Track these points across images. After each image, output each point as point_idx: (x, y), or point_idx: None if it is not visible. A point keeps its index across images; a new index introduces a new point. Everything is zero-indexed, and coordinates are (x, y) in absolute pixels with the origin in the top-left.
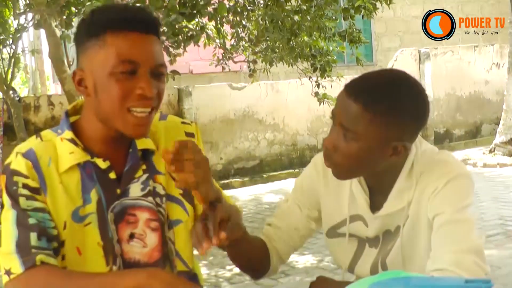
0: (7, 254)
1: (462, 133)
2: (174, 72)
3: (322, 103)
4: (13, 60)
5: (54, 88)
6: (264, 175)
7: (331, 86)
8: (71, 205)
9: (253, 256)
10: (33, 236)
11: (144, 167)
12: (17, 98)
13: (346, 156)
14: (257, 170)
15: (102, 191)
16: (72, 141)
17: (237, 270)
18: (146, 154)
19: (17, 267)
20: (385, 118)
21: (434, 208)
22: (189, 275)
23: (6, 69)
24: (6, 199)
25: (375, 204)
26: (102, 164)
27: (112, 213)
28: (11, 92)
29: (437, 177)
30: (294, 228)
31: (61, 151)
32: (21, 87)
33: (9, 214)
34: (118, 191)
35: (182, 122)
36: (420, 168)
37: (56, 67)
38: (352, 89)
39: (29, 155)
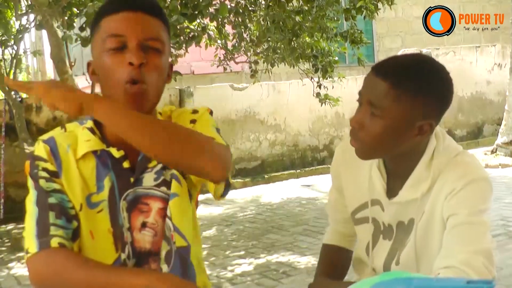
0: (28, 234)
1: (464, 133)
2: (176, 72)
3: (323, 104)
4: (15, 61)
5: None
6: (266, 176)
7: (333, 87)
8: (86, 190)
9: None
10: (52, 214)
11: None
12: (19, 99)
13: (372, 134)
14: (258, 171)
15: (116, 179)
16: (90, 129)
17: (238, 270)
18: None
19: (33, 247)
20: (411, 96)
21: (450, 208)
22: (187, 251)
23: (8, 70)
24: (29, 182)
25: (392, 191)
26: (116, 153)
27: (125, 201)
28: (13, 93)
29: (456, 178)
30: (348, 216)
31: (80, 138)
32: None
33: (31, 194)
34: (132, 179)
35: (193, 111)
36: (440, 163)
37: (58, 68)
38: (380, 68)
39: (49, 141)
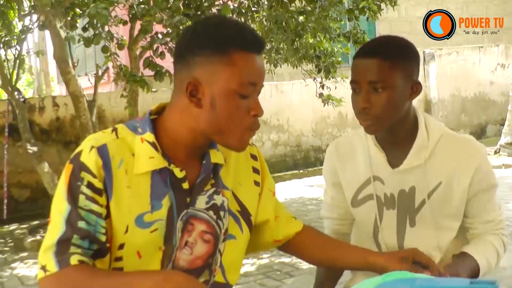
0: (47, 249)
1: (467, 134)
2: None
3: (326, 104)
4: (18, 61)
5: (58, 89)
6: None
7: (336, 87)
8: (136, 210)
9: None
10: (77, 236)
11: (212, 181)
12: (22, 99)
13: (382, 106)
14: None
15: (175, 199)
16: (153, 145)
17: (241, 271)
18: (215, 168)
19: (52, 266)
20: (400, 62)
21: (483, 184)
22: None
23: (11, 70)
24: (63, 189)
25: (393, 161)
26: (179, 173)
27: (181, 222)
28: (16, 93)
29: (471, 154)
30: (344, 211)
31: (140, 152)
32: (26, 88)
33: (63, 207)
34: (188, 200)
35: (252, 156)
36: (436, 133)
37: (61, 68)
38: (366, 51)
39: (102, 152)
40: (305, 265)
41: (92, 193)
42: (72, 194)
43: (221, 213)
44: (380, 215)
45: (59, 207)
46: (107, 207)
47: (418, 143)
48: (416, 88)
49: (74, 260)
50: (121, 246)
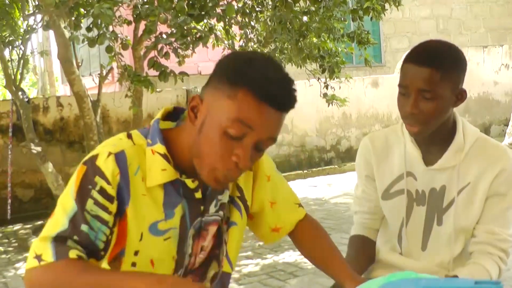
0: (44, 238)
1: None
2: (183, 73)
3: (330, 104)
4: (22, 61)
5: (62, 89)
6: None
7: (340, 87)
8: (151, 218)
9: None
10: (76, 237)
11: None
12: (26, 99)
13: (430, 113)
14: None
15: (188, 208)
16: (164, 156)
17: (245, 271)
18: None
19: (49, 256)
20: (450, 73)
21: (500, 187)
22: (229, 277)
23: (15, 70)
24: (72, 188)
25: (428, 160)
26: (191, 184)
27: (193, 229)
28: (20, 93)
29: (500, 156)
30: (374, 205)
31: (152, 164)
32: (30, 88)
33: (70, 205)
34: (202, 208)
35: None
36: (472, 135)
37: (65, 68)
38: (419, 58)
39: (120, 159)
40: (309, 265)
41: (103, 200)
42: (81, 196)
43: (226, 205)
44: (409, 211)
45: (66, 204)
46: (118, 215)
47: (455, 145)
48: (461, 95)
49: (72, 253)
50: (136, 253)
